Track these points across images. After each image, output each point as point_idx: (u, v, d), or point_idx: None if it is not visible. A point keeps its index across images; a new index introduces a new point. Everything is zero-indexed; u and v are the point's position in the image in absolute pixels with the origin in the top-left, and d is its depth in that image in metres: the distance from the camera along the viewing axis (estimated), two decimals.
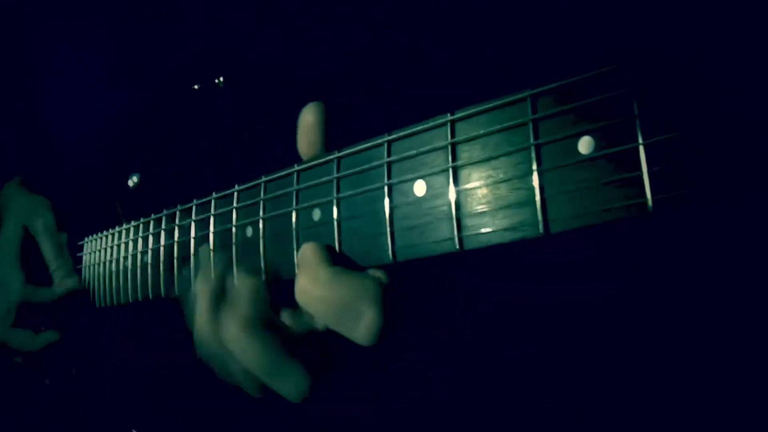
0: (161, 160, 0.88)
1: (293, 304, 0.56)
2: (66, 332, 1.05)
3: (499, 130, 0.45)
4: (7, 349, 1.05)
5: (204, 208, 0.73)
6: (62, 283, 1.01)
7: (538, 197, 0.43)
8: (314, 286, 0.52)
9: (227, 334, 0.57)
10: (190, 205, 0.75)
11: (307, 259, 0.54)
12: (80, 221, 1.02)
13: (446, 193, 0.48)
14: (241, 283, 0.61)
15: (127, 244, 0.86)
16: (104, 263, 0.92)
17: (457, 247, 0.47)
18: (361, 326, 0.49)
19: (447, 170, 0.48)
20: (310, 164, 0.60)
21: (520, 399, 0.64)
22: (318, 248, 0.54)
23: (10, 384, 1.11)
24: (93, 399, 1.04)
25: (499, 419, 0.66)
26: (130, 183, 0.89)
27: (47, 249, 1.03)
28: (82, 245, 1.01)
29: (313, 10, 0.75)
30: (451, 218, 0.47)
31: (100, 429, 1.03)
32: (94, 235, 0.96)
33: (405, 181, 0.51)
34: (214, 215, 0.71)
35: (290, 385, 0.55)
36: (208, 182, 0.76)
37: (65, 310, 1.04)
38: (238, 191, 0.68)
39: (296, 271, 0.56)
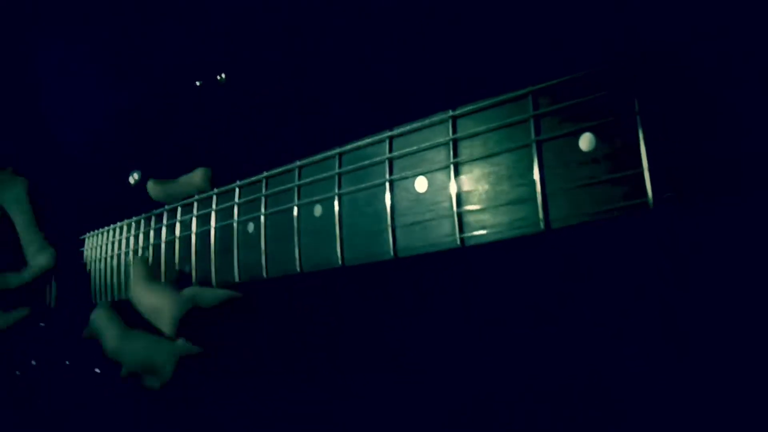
0: (162, 156, 0.88)
1: None
2: (65, 328, 1.05)
3: (501, 127, 0.46)
4: None
5: (205, 203, 0.73)
6: (34, 261, 1.00)
7: (539, 194, 0.43)
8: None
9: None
10: (192, 200, 0.75)
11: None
12: (81, 217, 1.02)
13: (447, 189, 0.48)
14: None
15: (128, 239, 0.86)
16: (105, 259, 0.92)
17: (458, 243, 0.47)
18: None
19: (448, 167, 0.48)
20: (312, 160, 0.60)
21: (521, 399, 0.65)
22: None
23: (8, 385, 1.11)
24: (92, 398, 1.04)
25: (499, 420, 0.66)
26: (131, 180, 0.89)
27: (17, 223, 1.01)
28: (83, 240, 1.01)
29: (315, 6, 0.75)
30: (453, 214, 0.47)
31: (102, 429, 1.03)
32: (95, 231, 0.96)
33: (406, 178, 0.51)
34: (215, 210, 0.71)
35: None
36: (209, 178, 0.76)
37: (63, 304, 1.04)
38: (240, 187, 0.68)
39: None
